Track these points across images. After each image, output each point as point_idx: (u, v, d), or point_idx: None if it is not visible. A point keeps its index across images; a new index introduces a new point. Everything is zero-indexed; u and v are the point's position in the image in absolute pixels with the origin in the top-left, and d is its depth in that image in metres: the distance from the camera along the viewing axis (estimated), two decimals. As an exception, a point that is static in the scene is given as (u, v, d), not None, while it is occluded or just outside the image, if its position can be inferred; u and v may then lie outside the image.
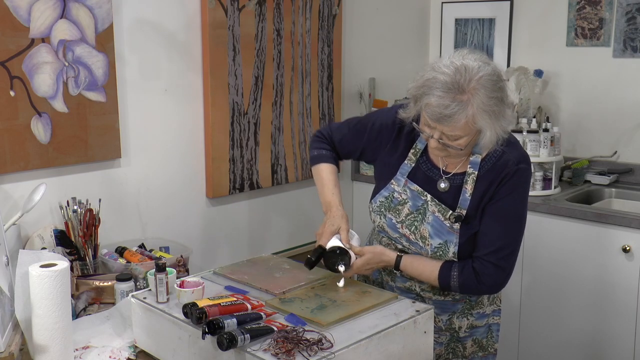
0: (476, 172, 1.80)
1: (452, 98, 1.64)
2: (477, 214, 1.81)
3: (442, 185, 1.85)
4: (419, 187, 1.88)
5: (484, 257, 1.80)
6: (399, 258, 1.88)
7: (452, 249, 1.82)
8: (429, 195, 1.85)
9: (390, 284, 2.00)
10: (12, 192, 2.22)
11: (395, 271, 1.92)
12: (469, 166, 1.82)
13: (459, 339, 1.95)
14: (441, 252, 1.84)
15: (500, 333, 2.01)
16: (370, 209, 1.99)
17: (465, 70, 1.65)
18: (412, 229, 1.87)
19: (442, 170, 1.87)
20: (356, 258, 1.87)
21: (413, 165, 1.90)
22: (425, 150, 1.90)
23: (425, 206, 1.86)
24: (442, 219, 1.83)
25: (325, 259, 1.85)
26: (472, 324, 1.95)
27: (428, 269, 1.85)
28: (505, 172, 1.78)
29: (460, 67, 1.66)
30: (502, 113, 1.69)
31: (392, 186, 1.92)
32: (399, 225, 1.90)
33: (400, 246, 1.93)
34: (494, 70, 1.69)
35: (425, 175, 1.88)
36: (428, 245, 1.85)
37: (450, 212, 1.82)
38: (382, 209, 1.93)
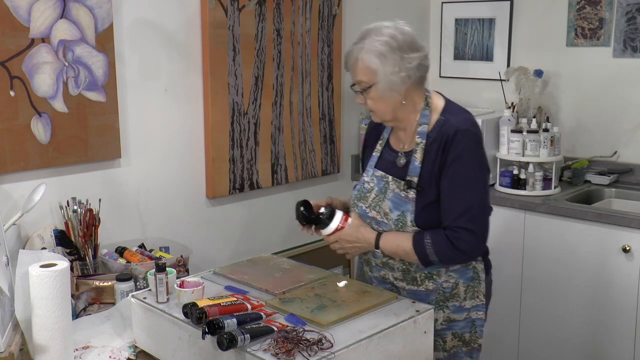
0: (424, 141, 1.91)
1: (352, 45, 1.90)
2: (432, 183, 1.89)
3: (401, 161, 1.97)
4: (382, 173, 2.00)
5: (452, 224, 1.86)
6: (378, 236, 1.94)
7: (410, 218, 1.90)
8: (390, 177, 1.97)
9: (369, 274, 2.07)
10: (12, 192, 2.22)
11: (375, 250, 1.96)
12: (417, 137, 1.93)
13: (437, 332, 1.96)
14: (401, 224, 1.91)
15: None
16: (351, 206, 2.08)
17: (373, 27, 1.89)
18: (377, 208, 1.96)
19: (400, 150, 2.00)
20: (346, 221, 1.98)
21: (379, 155, 2.04)
22: (389, 139, 2.05)
23: (386, 186, 1.97)
24: (399, 192, 1.93)
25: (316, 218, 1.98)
26: (449, 317, 1.97)
27: (404, 239, 1.90)
28: (446, 137, 1.87)
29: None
30: (394, 60, 1.83)
31: (363, 178, 2.05)
32: (367, 210, 1.99)
33: None
34: (396, 26, 1.89)
35: (387, 161, 2.02)
36: (390, 220, 1.93)
37: (403, 182, 1.92)
38: (355, 200, 2.04)
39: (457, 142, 1.85)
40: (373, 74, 1.84)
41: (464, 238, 1.85)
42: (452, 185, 1.86)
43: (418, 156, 1.91)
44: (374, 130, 2.10)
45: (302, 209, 1.97)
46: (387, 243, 1.92)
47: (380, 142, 2.06)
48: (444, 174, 1.87)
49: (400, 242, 1.90)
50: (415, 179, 1.90)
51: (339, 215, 1.96)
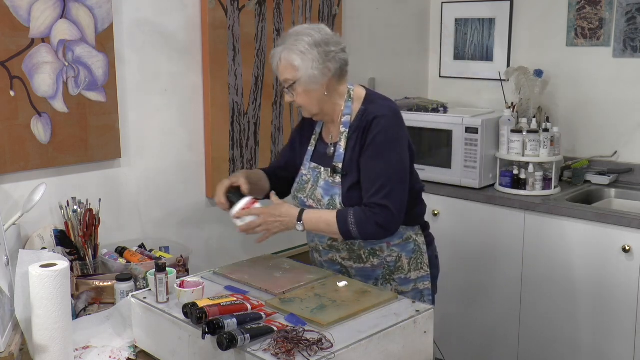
0: (347, 130, 2.08)
1: (275, 48, 2.06)
2: (353, 167, 2.04)
3: (330, 151, 2.13)
4: (316, 164, 2.16)
5: (368, 201, 1.99)
6: (302, 210, 2.05)
7: (338, 200, 2.06)
8: (322, 168, 2.13)
9: (319, 259, 2.21)
10: (12, 192, 2.22)
11: (297, 223, 2.03)
12: (341, 127, 2.09)
13: None
14: (332, 207, 2.07)
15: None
16: (292, 198, 2.22)
17: (293, 30, 2.04)
18: (313, 197, 2.12)
19: (330, 142, 2.15)
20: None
21: (313, 149, 2.20)
22: (321, 133, 2.19)
23: (319, 176, 2.13)
24: (328, 178, 2.09)
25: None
26: (397, 289, 2.11)
27: (327, 212, 2.03)
28: (365, 124, 2.03)
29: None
30: (313, 55, 1.98)
31: (302, 171, 2.20)
32: (306, 200, 2.14)
33: None
34: (314, 27, 2.03)
35: (320, 153, 2.17)
36: (323, 205, 2.09)
37: (330, 168, 2.08)
38: (295, 192, 2.20)
39: (373, 127, 2.01)
40: (295, 70, 1.99)
41: (380, 213, 1.97)
42: (368, 165, 2.01)
43: (342, 144, 2.08)
44: (309, 127, 2.23)
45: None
46: (310, 215, 2.03)
47: (314, 137, 2.21)
48: (362, 156, 2.03)
49: (322, 214, 2.03)
50: (340, 165, 2.07)
51: (246, 198, 2.08)
